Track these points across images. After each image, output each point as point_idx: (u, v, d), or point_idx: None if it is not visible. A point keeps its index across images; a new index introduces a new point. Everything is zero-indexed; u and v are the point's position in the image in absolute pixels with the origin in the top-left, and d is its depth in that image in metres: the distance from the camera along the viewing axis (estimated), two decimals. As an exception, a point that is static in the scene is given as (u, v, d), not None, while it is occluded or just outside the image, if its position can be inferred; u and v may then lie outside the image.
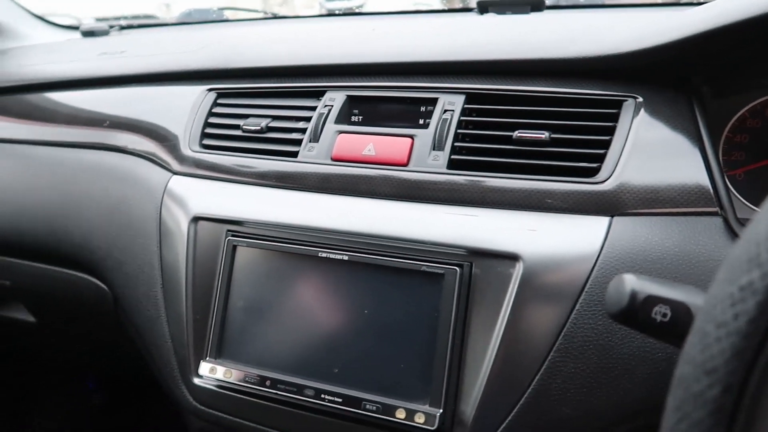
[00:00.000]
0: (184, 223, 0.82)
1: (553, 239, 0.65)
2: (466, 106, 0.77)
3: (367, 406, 0.66)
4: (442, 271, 0.66)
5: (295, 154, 0.81)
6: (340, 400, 0.68)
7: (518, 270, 0.64)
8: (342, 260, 0.71)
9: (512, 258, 0.65)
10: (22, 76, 1.16)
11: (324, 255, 0.72)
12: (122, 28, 1.60)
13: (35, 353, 1.43)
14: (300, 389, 0.69)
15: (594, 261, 0.63)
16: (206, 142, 0.89)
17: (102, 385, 1.69)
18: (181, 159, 0.89)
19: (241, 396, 0.74)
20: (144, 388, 1.83)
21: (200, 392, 0.77)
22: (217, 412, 0.76)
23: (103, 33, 1.54)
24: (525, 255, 0.64)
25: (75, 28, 1.69)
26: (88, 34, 1.54)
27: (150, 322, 0.84)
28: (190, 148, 0.89)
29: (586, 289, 0.63)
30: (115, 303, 0.98)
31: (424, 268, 0.67)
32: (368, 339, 0.69)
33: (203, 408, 0.77)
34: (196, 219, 0.81)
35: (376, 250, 0.70)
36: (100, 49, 1.21)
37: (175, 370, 0.80)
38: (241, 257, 0.76)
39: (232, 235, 0.78)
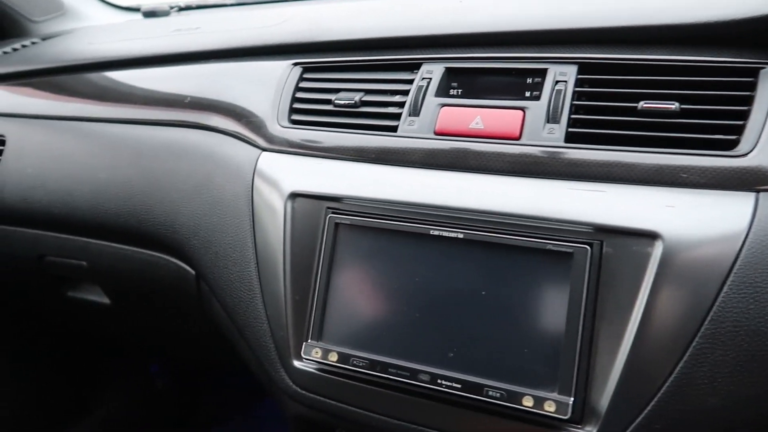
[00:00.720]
0: (279, 201, 0.79)
1: (694, 216, 0.60)
2: (579, 76, 0.72)
3: (490, 393, 0.62)
4: (570, 250, 0.62)
5: (394, 129, 0.78)
6: (459, 386, 0.64)
7: (657, 249, 0.59)
8: (457, 238, 0.67)
9: (651, 236, 0.60)
10: (95, 54, 1.14)
11: (436, 233, 0.68)
12: (180, 9, 1.58)
13: (104, 334, 1.43)
14: (414, 374, 0.66)
15: (742, 240, 0.58)
16: (295, 117, 0.86)
17: (164, 369, 1.70)
18: (270, 135, 0.86)
19: (347, 380, 0.71)
20: (205, 374, 1.84)
21: (300, 375, 0.74)
22: (319, 397, 0.74)
23: (164, 14, 1.53)
24: (665, 233, 0.60)
25: (134, 9, 1.68)
26: (150, 14, 1.52)
27: (243, 303, 0.81)
28: (279, 124, 0.86)
29: (734, 271, 0.58)
30: (198, 284, 0.96)
31: (549, 246, 0.63)
32: (486, 322, 0.65)
33: (303, 392, 0.74)
34: (293, 196, 0.78)
35: (494, 228, 0.66)
36: (172, 27, 1.19)
37: (272, 352, 0.77)
38: (344, 235, 0.73)
39: (333, 213, 0.74)
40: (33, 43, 1.36)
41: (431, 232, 0.68)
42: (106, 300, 1.15)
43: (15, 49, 1.32)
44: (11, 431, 1.51)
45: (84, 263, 1.09)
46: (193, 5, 1.60)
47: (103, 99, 1.08)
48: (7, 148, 1.12)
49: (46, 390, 1.59)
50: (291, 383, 0.75)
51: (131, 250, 1.03)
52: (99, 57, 1.13)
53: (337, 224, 0.73)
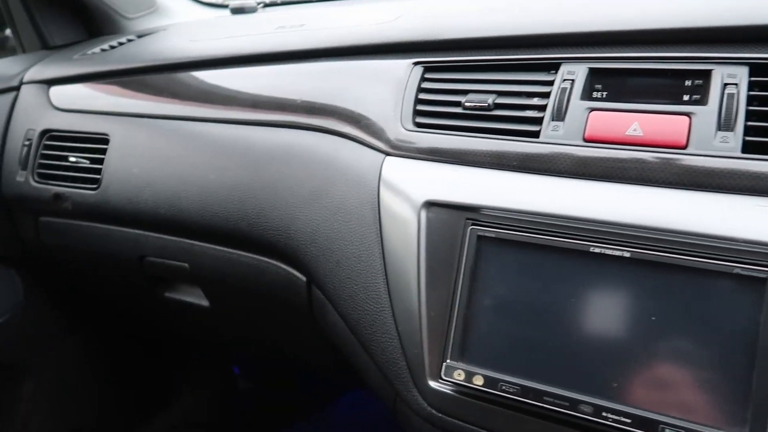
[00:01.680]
0: (412, 210, 0.74)
1: None
2: (751, 79, 0.65)
3: (667, 430, 0.57)
4: (764, 275, 0.55)
5: (535, 134, 0.72)
6: (628, 420, 0.58)
7: None
8: (622, 257, 0.61)
9: None
10: (199, 52, 1.12)
11: (597, 250, 0.62)
12: (266, 5, 1.56)
13: (199, 336, 1.42)
14: (574, 404, 0.61)
15: None
16: (420, 120, 0.82)
17: (248, 371, 1.69)
18: (394, 139, 0.81)
19: (493, 406, 0.66)
20: (283, 377, 1.83)
21: (437, 397, 0.70)
22: (458, 421, 0.69)
23: (252, 10, 1.51)
24: None
25: (219, 5, 1.67)
26: (238, 11, 1.50)
27: (369, 316, 0.77)
28: (403, 126, 0.81)
29: None
30: (309, 292, 0.93)
31: (737, 270, 0.56)
32: (657, 350, 0.59)
33: (440, 415, 0.70)
34: (427, 205, 0.73)
35: (668, 248, 0.60)
36: (272, 23, 1.16)
37: (403, 370, 0.73)
38: (488, 249, 0.68)
39: (474, 224, 0.69)
40: (129, 40, 1.35)
41: (591, 250, 0.63)
42: (204, 302, 1.13)
43: (112, 47, 1.32)
44: (95, 422, 1.54)
45: (186, 265, 1.08)
46: (278, 1, 1.58)
47: (209, 98, 1.05)
48: (111, 147, 1.12)
49: (129, 384, 1.61)
50: (425, 405, 0.71)
51: (237, 253, 1.00)
52: (204, 55, 1.11)
53: (479, 236, 0.69)
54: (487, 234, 0.68)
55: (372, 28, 0.97)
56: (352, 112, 0.88)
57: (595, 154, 0.68)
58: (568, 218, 0.65)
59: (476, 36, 0.84)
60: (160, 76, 1.15)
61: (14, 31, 1.43)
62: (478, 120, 0.77)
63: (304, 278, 0.92)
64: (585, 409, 0.60)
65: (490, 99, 0.77)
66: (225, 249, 1.01)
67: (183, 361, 1.65)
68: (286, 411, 1.82)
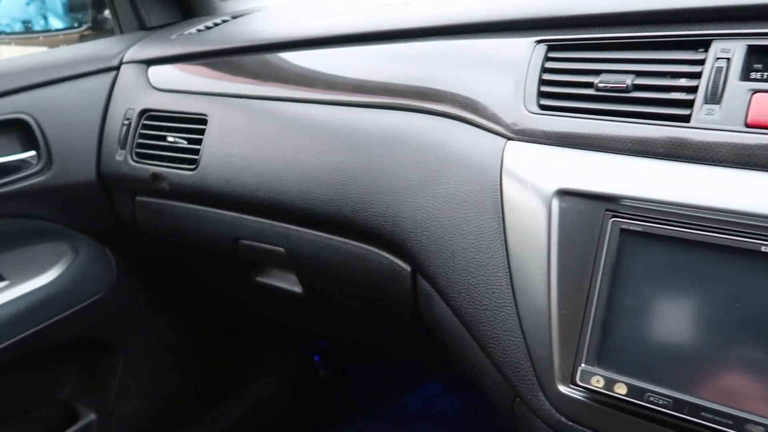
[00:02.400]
0: (541, 200, 0.68)
1: None
2: None
3: None
4: None
5: (686, 118, 0.65)
6: (808, 445, 0.51)
7: None
8: (803, 259, 0.54)
9: None
10: (299, 32, 1.09)
11: (771, 250, 0.55)
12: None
13: (287, 321, 1.41)
14: (739, 423, 0.54)
15: None
16: (545, 102, 0.75)
17: (327, 359, 1.68)
18: (516, 123, 0.75)
19: (636, 418, 0.60)
20: (361, 366, 1.81)
21: (568, 403, 0.64)
22: (591, 431, 0.63)
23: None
24: None
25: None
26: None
27: (488, 311, 0.72)
28: (527, 109, 0.75)
29: None
30: (414, 282, 0.88)
31: None
32: (844, 367, 0.51)
33: (571, 423, 0.64)
34: (561, 194, 0.67)
35: None
36: (376, 1, 1.12)
37: (527, 372, 0.67)
38: (633, 244, 0.61)
39: (615, 216, 0.63)
40: (224, 21, 1.34)
41: (763, 249, 0.55)
42: (298, 289, 1.11)
43: (208, 27, 1.32)
44: (179, 401, 1.56)
45: (282, 250, 1.05)
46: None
47: (310, 80, 1.02)
48: (210, 128, 1.10)
49: (213, 365, 1.62)
50: (553, 410, 0.65)
51: (336, 240, 0.97)
52: (304, 35, 1.07)
53: (623, 230, 0.62)
54: (631, 227, 0.62)
55: (486, 4, 0.91)
56: (467, 94, 0.82)
57: (762, 142, 0.60)
58: (733, 213, 0.58)
59: (610, 11, 0.77)
60: (259, 57, 1.13)
61: (113, 12, 1.44)
62: (615, 102, 0.70)
63: (408, 268, 0.88)
64: (753, 430, 0.53)
65: (629, 80, 0.70)
66: (324, 235, 0.98)
67: (265, 346, 1.65)
68: (363, 400, 1.80)
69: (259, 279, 1.17)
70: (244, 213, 1.08)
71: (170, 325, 1.48)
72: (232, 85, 1.13)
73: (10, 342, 1.12)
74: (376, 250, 0.92)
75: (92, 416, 1.37)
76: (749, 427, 0.53)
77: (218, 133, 1.09)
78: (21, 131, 1.21)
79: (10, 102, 1.19)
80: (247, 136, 1.05)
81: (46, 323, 1.17)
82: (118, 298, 1.32)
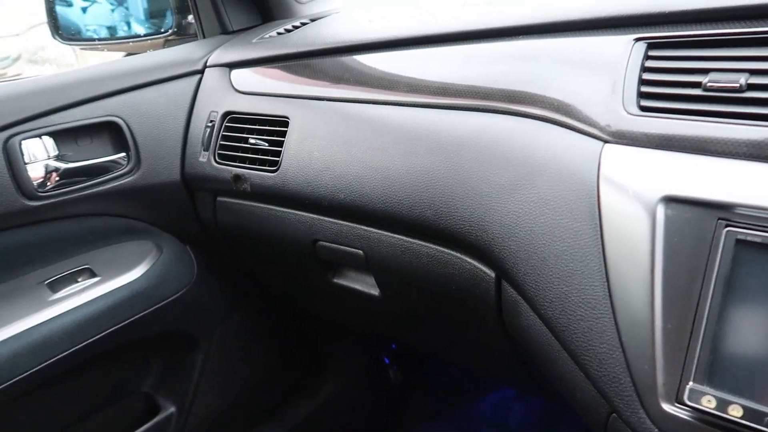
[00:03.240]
0: (645, 206, 0.65)
1: None
2: None
3: None
4: None
5: (810, 121, 0.60)
6: None
7: None
8: None
9: None
10: (378, 33, 1.09)
11: None
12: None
13: (362, 324, 1.42)
14: None
15: None
16: (646, 103, 0.71)
17: (397, 362, 1.68)
18: (614, 125, 0.72)
19: (751, 442, 0.56)
20: (433, 370, 1.80)
21: (674, 422, 0.60)
22: (700, 454, 0.59)
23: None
24: None
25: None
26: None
27: (583, 322, 0.69)
28: (626, 110, 0.72)
29: None
30: (498, 289, 0.86)
31: None
32: None
33: (675, 444, 0.61)
34: (667, 201, 0.63)
35: None
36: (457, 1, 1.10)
37: (626, 387, 0.64)
38: (749, 255, 0.57)
39: (729, 225, 0.59)
40: (303, 23, 1.36)
41: None
42: (375, 291, 1.10)
43: (288, 30, 1.33)
44: (252, 397, 1.59)
45: (360, 252, 1.05)
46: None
47: (392, 82, 1.01)
48: (291, 130, 1.11)
49: (285, 363, 1.65)
50: (656, 429, 0.62)
51: (417, 243, 0.96)
52: (384, 36, 1.07)
53: (738, 240, 0.58)
54: (749, 238, 0.57)
55: (577, 1, 0.87)
56: (560, 95, 0.80)
57: None
58: None
59: (717, 6, 0.73)
60: (339, 59, 1.13)
61: (196, 17, 1.48)
62: (726, 103, 0.66)
63: (493, 274, 0.86)
64: None
65: (743, 79, 0.66)
66: (405, 238, 0.97)
67: (336, 347, 1.66)
68: (431, 404, 1.79)
69: (336, 281, 1.17)
70: (323, 215, 1.08)
71: (244, 323, 1.51)
72: (313, 87, 1.13)
73: (101, 335, 1.16)
74: (459, 254, 0.90)
75: (172, 409, 1.41)
76: None
77: (299, 135, 1.10)
78: (112, 133, 1.26)
79: (102, 105, 1.24)
80: (328, 139, 1.05)
81: (133, 318, 1.21)
82: (197, 295, 1.36)
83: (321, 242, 1.11)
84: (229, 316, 1.48)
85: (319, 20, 1.35)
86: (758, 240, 0.57)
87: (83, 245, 1.27)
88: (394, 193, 0.94)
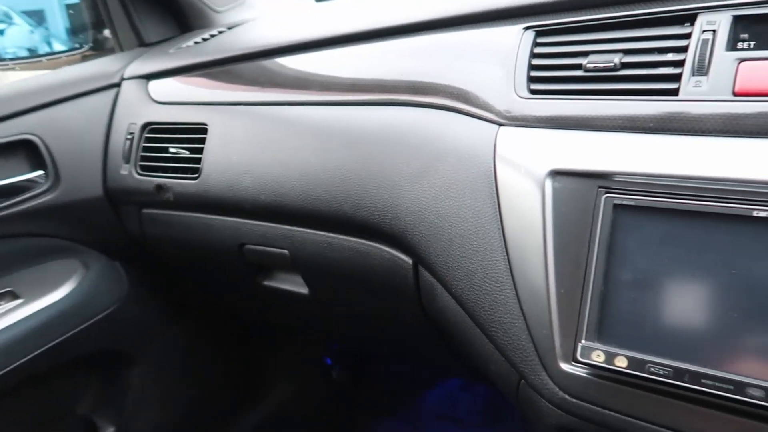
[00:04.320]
0: (535, 181, 0.69)
1: None
2: None
3: None
4: None
5: (674, 92, 0.65)
6: (809, 405, 0.51)
7: None
8: (795, 221, 0.54)
9: None
10: (292, 37, 1.11)
11: (763, 214, 0.55)
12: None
13: (295, 324, 1.42)
14: (739, 387, 0.54)
15: None
16: (535, 87, 0.76)
17: (338, 360, 1.69)
18: (508, 109, 0.76)
19: (639, 390, 0.60)
20: (375, 366, 1.82)
21: (570, 381, 0.64)
22: (595, 407, 0.63)
23: (336, -5, 1.49)
24: None
25: (307, -5, 1.66)
26: (323, -2, 1.49)
27: (489, 296, 0.72)
28: (517, 95, 0.76)
29: None
30: (416, 274, 0.89)
31: None
32: (843, 326, 0.51)
33: (574, 400, 0.64)
34: (554, 174, 0.67)
35: None
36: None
37: (530, 353, 0.68)
38: (626, 219, 0.62)
39: (608, 192, 0.63)
40: (220, 32, 1.36)
41: (755, 214, 0.55)
42: (304, 290, 1.11)
43: (205, 39, 1.34)
44: (196, 411, 1.57)
45: (286, 252, 1.06)
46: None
47: (306, 83, 1.04)
48: (210, 137, 1.12)
49: (227, 373, 1.63)
50: (556, 389, 0.65)
51: (339, 238, 0.98)
52: (297, 39, 1.09)
53: (616, 205, 0.62)
54: (624, 202, 0.62)
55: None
56: (460, 85, 0.83)
57: (750, 110, 0.60)
58: (723, 180, 0.58)
59: (594, -7, 0.78)
60: (255, 64, 1.15)
61: (113, 31, 1.47)
62: (604, 82, 0.71)
63: (410, 261, 0.89)
64: (755, 393, 0.53)
65: (617, 58, 0.71)
66: (327, 234, 0.99)
67: (279, 352, 1.66)
68: (376, 402, 1.80)
69: (265, 283, 1.18)
70: (247, 218, 1.09)
71: (183, 335, 1.49)
72: (231, 93, 1.15)
73: (27, 358, 1.13)
74: (377, 245, 0.93)
75: (111, 430, 1.39)
76: (750, 390, 0.53)
77: (219, 141, 1.11)
78: (28, 152, 1.23)
79: (16, 123, 1.22)
80: (247, 142, 1.07)
81: (61, 338, 1.19)
82: (130, 310, 1.34)
83: (247, 245, 1.12)
84: (165, 329, 1.47)
85: (235, 28, 1.36)
86: (632, 203, 0.61)
87: (5, 268, 1.24)
88: (312, 190, 0.96)
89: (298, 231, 1.03)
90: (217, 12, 1.48)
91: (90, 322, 1.25)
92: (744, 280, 0.55)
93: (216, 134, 1.12)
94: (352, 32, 1.03)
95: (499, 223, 0.72)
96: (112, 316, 1.29)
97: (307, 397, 1.71)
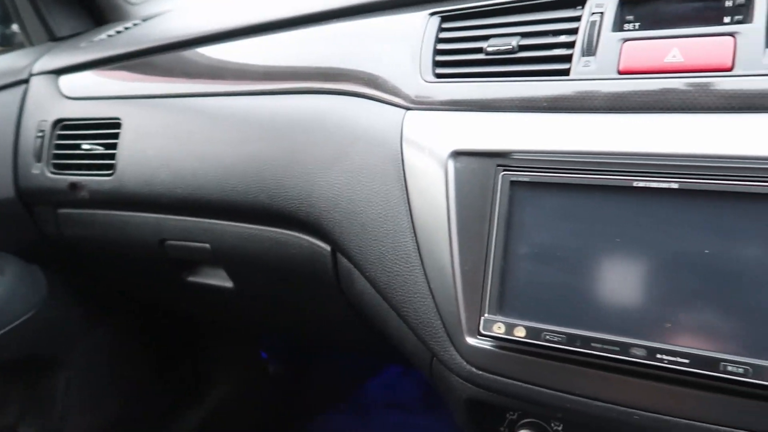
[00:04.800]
0: (438, 162, 0.70)
1: None
2: (797, -8, 0.60)
3: (729, 368, 0.52)
4: (830, 194, 0.51)
5: (565, 72, 0.68)
6: (686, 360, 0.54)
7: None
8: (670, 189, 0.57)
9: None
10: (206, 27, 1.09)
11: (641, 184, 0.58)
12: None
13: (224, 318, 1.41)
14: (624, 348, 0.57)
15: None
16: (440, 71, 0.78)
17: (275, 354, 1.68)
18: (414, 93, 0.77)
19: (536, 358, 0.62)
20: (314, 359, 1.82)
21: (476, 353, 0.66)
22: (499, 377, 0.65)
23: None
24: None
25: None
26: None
27: (400, 277, 0.74)
28: (422, 79, 0.77)
29: None
30: (334, 261, 0.89)
31: (798, 191, 0.52)
32: (714, 286, 0.55)
33: (480, 372, 0.66)
34: (455, 155, 0.69)
35: (719, 174, 0.55)
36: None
37: (438, 330, 0.69)
38: (522, 194, 0.64)
39: (506, 170, 0.65)
40: (135, 24, 1.33)
41: (635, 184, 0.58)
42: (229, 284, 1.10)
43: (119, 32, 1.30)
44: (131, 413, 1.53)
45: (207, 246, 1.05)
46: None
47: (220, 73, 1.02)
48: (124, 131, 1.09)
49: (161, 373, 1.60)
50: (464, 363, 0.67)
51: (258, 228, 0.98)
52: (211, 30, 1.08)
53: (512, 182, 0.65)
54: (520, 179, 0.64)
55: (383, -17, 0.93)
56: (369, 71, 0.84)
57: (633, 87, 0.63)
58: (607, 154, 0.61)
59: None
60: (169, 56, 1.12)
61: (21, 25, 1.41)
62: (503, 64, 0.73)
63: (328, 248, 0.89)
64: (637, 352, 0.56)
65: (514, 41, 0.73)
66: (246, 225, 0.99)
67: (212, 348, 1.63)
68: (318, 395, 1.81)
69: (190, 279, 1.16)
70: (167, 213, 1.07)
71: (110, 336, 1.46)
72: (144, 85, 1.12)
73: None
74: (296, 233, 0.93)
75: (38, 437, 1.34)
76: (633, 350, 0.56)
77: (133, 135, 1.08)
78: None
79: None
80: (163, 135, 1.05)
81: (-25, 346, 1.14)
82: (51, 314, 1.30)
83: (169, 241, 1.10)
84: (91, 331, 1.42)
85: (150, 20, 1.33)
86: (527, 179, 0.64)
87: None
88: (229, 181, 0.95)
89: (218, 224, 1.02)
90: (132, 4, 1.44)
91: (7, 328, 1.20)
92: (627, 248, 0.58)
93: (130, 128, 1.09)
94: (266, 21, 1.02)
95: (407, 205, 0.73)
96: (31, 321, 1.25)
97: (246, 395, 1.69)
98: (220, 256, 1.05)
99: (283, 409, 1.79)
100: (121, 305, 1.47)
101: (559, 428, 0.68)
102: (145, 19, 1.35)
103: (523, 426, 0.69)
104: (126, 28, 1.31)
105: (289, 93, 0.92)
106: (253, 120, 0.94)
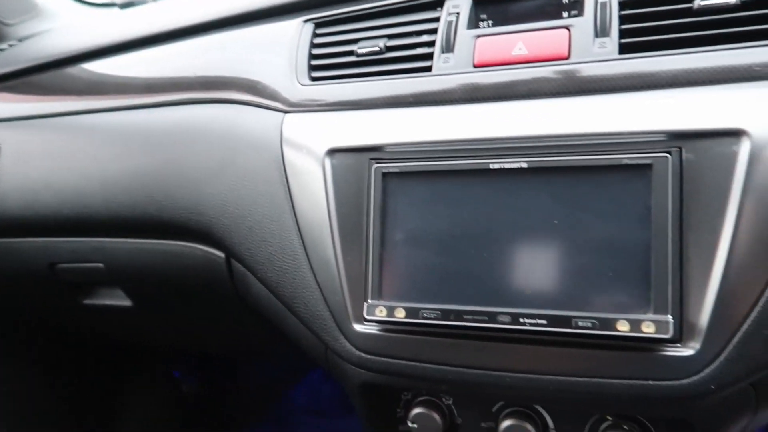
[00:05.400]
0: (316, 161, 0.73)
1: (778, 108, 0.56)
2: (621, -13, 0.68)
3: (580, 323, 0.58)
4: (649, 161, 0.57)
5: (428, 69, 0.73)
6: (544, 321, 0.60)
7: (744, 148, 0.56)
8: (520, 168, 0.62)
9: (734, 134, 0.56)
10: (84, 44, 1.07)
11: (496, 166, 0.63)
12: (156, -1, 1.52)
13: (128, 339, 1.37)
14: (492, 317, 0.61)
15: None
16: (315, 74, 0.81)
17: (187, 373, 1.64)
18: (291, 96, 0.80)
19: (417, 336, 0.66)
20: (228, 375, 1.79)
21: (363, 339, 0.69)
22: (386, 359, 0.69)
23: (142, 3, 1.46)
24: (751, 129, 0.56)
25: (109, 5, 1.61)
26: (127, 5, 1.45)
27: (288, 274, 0.76)
28: (299, 83, 0.80)
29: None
30: (229, 266, 0.90)
31: (625, 161, 0.58)
32: (563, 252, 0.60)
33: (369, 356, 0.69)
34: (331, 152, 0.72)
35: (561, 151, 0.61)
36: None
37: (328, 320, 0.72)
38: (394, 185, 0.68)
39: (378, 163, 0.69)
40: (11, 45, 1.28)
41: (491, 166, 0.64)
42: (127, 302, 1.08)
43: (-7, 54, 1.25)
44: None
45: (100, 265, 1.03)
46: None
47: (101, 88, 1.01)
48: (3, 156, 1.05)
49: (70, 401, 1.53)
50: (354, 349, 0.70)
51: (150, 243, 0.97)
52: (89, 46, 1.06)
53: (384, 174, 0.68)
54: (390, 170, 0.68)
55: (258, -6, 0.95)
56: (248, 78, 0.86)
57: (485, 78, 0.69)
58: (466, 141, 0.66)
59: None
60: (49, 75, 1.10)
61: None
62: (372, 65, 0.77)
63: (222, 255, 0.90)
64: (503, 319, 0.61)
65: (381, 43, 0.78)
66: (139, 240, 0.98)
67: (121, 373, 1.58)
68: (237, 408, 1.78)
69: (86, 301, 1.13)
70: (55, 235, 1.04)
71: (8, 370, 1.38)
72: (23, 107, 1.09)
73: None
74: (189, 244, 0.93)
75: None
76: (500, 317, 0.61)
77: (13, 158, 1.05)
78: None
79: None
80: (45, 157, 1.02)
81: None
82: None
83: (59, 264, 1.07)
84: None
85: (27, 40, 1.28)
86: (396, 170, 0.68)
87: None
88: (115, 197, 0.94)
89: (109, 242, 1.00)
90: (7, 25, 1.38)
91: None
92: (489, 225, 0.63)
93: (9, 152, 1.05)
94: (146, 35, 1.02)
95: (291, 204, 0.76)
96: None
97: (161, 418, 1.64)
98: (115, 275, 1.03)
99: (200, 429, 1.75)
100: (16, 335, 1.39)
101: (450, 401, 0.72)
102: (21, 40, 1.30)
103: (418, 404, 0.73)
104: (1, 50, 1.26)
105: (171, 105, 0.93)
106: (136, 134, 0.94)
